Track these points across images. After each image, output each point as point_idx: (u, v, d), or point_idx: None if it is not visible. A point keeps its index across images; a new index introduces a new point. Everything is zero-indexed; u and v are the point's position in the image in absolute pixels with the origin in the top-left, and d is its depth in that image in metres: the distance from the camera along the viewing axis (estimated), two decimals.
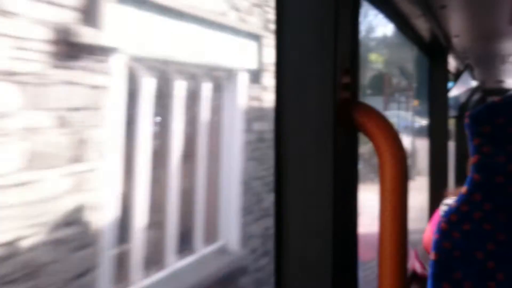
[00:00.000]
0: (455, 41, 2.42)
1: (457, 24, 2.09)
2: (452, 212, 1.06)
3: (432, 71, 2.39)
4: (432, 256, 1.07)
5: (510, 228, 1.01)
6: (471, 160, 1.06)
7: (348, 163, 0.77)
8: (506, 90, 6.04)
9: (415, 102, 17.28)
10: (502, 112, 0.99)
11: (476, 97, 5.61)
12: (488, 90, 5.96)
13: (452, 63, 3.24)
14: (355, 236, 0.84)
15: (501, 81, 5.23)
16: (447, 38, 2.32)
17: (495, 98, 1.04)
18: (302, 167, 0.72)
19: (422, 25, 1.85)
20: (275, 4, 0.76)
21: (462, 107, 3.77)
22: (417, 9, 1.60)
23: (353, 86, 0.77)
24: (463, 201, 1.04)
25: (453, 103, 6.24)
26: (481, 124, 1.01)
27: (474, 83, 4.66)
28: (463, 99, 5.32)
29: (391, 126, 0.72)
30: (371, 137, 0.71)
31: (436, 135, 2.38)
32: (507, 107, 0.99)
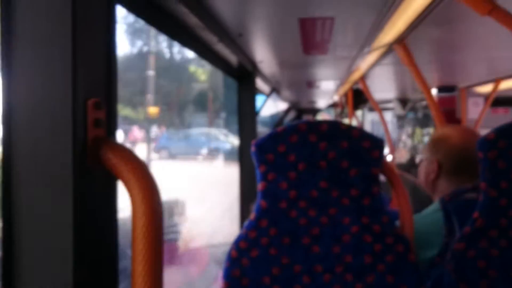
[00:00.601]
0: (261, 66, 2.57)
1: (259, 51, 2.20)
2: (241, 239, 1.07)
3: (241, 93, 2.49)
4: (222, 285, 1.07)
5: (293, 252, 1.05)
6: (258, 187, 1.08)
7: (103, 210, 0.71)
8: (318, 110, 6.73)
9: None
10: (283, 140, 1.04)
11: (291, 115, 6.11)
12: (303, 109, 6.53)
13: (265, 86, 3.45)
14: None
15: (313, 102, 5.78)
16: (253, 63, 2.45)
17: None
18: (37, 224, 0.63)
19: (224, 51, 1.91)
20: None
21: (277, 126, 4.03)
22: (214, 36, 1.63)
23: (109, 121, 0.70)
24: (251, 227, 1.06)
25: (269, 122, 6.73)
26: (266, 152, 1.04)
27: (284, 104, 5.06)
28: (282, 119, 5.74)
29: (144, 167, 0.66)
30: (123, 181, 0.65)
31: (245, 156, 2.48)
32: (287, 136, 1.04)
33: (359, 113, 7.02)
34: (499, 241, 1.02)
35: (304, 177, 1.04)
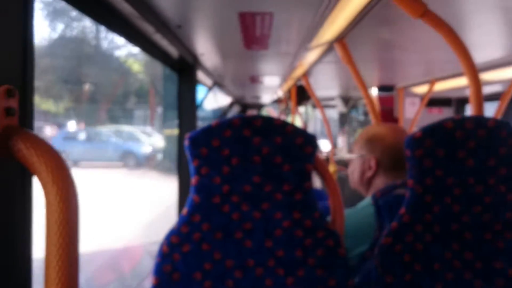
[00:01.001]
0: (202, 59, 2.52)
1: (200, 44, 2.16)
2: (173, 234, 1.05)
3: (181, 86, 2.44)
4: (152, 280, 1.05)
5: (226, 247, 1.05)
6: (192, 181, 1.07)
7: (15, 207, 0.65)
8: (262, 105, 6.76)
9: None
10: (217, 135, 1.03)
11: (236, 110, 6.10)
12: (247, 104, 6.54)
13: (208, 80, 3.40)
14: None
15: (257, 97, 5.79)
16: (193, 55, 2.40)
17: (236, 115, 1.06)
18: None
19: (162, 42, 1.85)
20: None
21: None
22: (150, 26, 1.57)
23: (22, 110, 0.65)
24: (184, 222, 1.05)
25: (212, 116, 6.69)
26: (199, 146, 1.03)
27: (227, 98, 5.03)
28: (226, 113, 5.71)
29: (60, 159, 0.62)
30: (35, 173, 0.60)
31: (185, 152, 2.43)
32: (221, 130, 1.03)
33: (303, 109, 7.11)
34: (424, 236, 1.06)
35: (238, 172, 1.04)
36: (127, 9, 1.37)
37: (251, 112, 6.58)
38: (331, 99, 5.79)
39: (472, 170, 1.04)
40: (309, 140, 1.05)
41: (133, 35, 1.64)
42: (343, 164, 5.41)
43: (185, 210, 1.06)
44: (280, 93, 5.27)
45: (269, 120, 1.05)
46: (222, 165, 1.03)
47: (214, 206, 1.04)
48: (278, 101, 6.46)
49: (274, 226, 1.05)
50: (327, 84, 4.22)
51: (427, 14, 1.25)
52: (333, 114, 6.81)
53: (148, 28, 1.61)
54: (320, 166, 1.10)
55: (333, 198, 1.12)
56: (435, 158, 1.04)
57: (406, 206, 1.07)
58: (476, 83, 1.27)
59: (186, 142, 1.04)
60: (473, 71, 1.28)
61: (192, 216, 1.04)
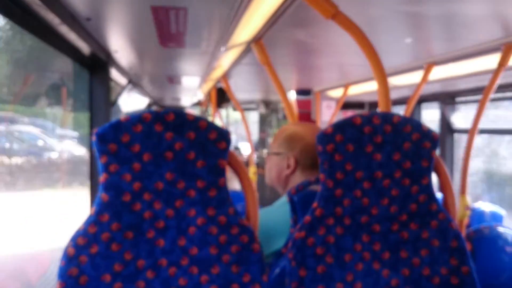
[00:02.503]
0: (116, 56, 2.42)
1: (113, 39, 2.07)
2: (79, 235, 1.00)
3: (93, 85, 2.32)
4: (57, 285, 0.99)
5: (137, 247, 1.01)
6: (100, 179, 1.02)
7: None
8: (182, 107, 6.67)
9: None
10: (127, 130, 0.99)
11: None
12: (167, 106, 6.42)
13: (123, 79, 3.28)
14: None
15: (177, 99, 5.71)
16: (106, 52, 2.30)
17: (122, 117, 1.01)
18: None
19: (70, 36, 1.74)
20: None
21: None
22: (55, 17, 1.47)
23: None
24: (91, 222, 1.00)
25: None
26: (108, 142, 0.98)
27: (143, 99, 4.91)
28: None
29: None
30: None
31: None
32: (131, 125, 0.99)
33: (224, 112, 7.11)
34: (335, 229, 1.08)
35: (149, 169, 1.00)
36: None
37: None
38: (252, 102, 5.84)
39: (380, 164, 1.08)
40: (223, 136, 1.04)
41: (34, 25, 1.53)
42: (262, 166, 5.47)
43: (92, 210, 1.01)
44: (201, 95, 5.22)
45: (181, 115, 1.02)
46: (133, 161, 1.00)
47: (124, 204, 1.00)
48: (199, 104, 6.40)
49: (188, 224, 1.03)
50: (247, 87, 4.25)
51: (338, 16, 1.28)
52: (254, 117, 6.88)
53: (53, 19, 1.50)
54: (234, 161, 1.09)
55: (247, 194, 1.11)
56: (345, 152, 1.07)
57: (318, 200, 1.09)
58: (385, 86, 1.32)
59: (93, 138, 0.99)
60: (382, 74, 1.33)
61: (100, 216, 1.00)
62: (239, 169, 1.11)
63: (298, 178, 1.46)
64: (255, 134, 6.63)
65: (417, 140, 1.08)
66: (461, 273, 1.11)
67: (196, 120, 1.02)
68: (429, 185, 1.10)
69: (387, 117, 1.08)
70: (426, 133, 1.09)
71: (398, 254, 1.10)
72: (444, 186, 1.15)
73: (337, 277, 1.07)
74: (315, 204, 1.09)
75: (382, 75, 1.33)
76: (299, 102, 4.05)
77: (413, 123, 1.08)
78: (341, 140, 1.06)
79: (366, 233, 1.09)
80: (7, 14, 1.35)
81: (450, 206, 1.15)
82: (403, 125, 1.08)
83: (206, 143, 1.02)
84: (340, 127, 1.07)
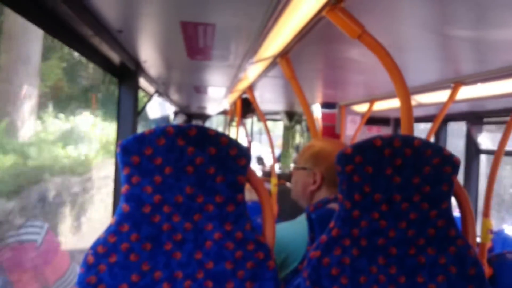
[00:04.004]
0: (145, 66, 2.48)
1: (143, 50, 2.12)
2: (99, 244, 1.02)
3: (121, 93, 2.38)
4: None
5: (154, 258, 1.03)
6: (122, 190, 1.04)
7: None
8: (208, 116, 6.74)
9: None
10: (150, 143, 1.01)
11: (180, 120, 6.04)
12: (193, 114, 6.49)
13: (151, 88, 3.34)
14: None
15: (203, 107, 5.76)
16: (136, 62, 2.35)
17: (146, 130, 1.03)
18: None
19: (101, 47, 1.80)
20: None
21: None
22: (89, 30, 1.52)
23: None
24: (111, 232, 1.02)
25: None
26: (131, 154, 1.01)
27: (170, 107, 4.97)
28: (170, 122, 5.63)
29: None
30: None
31: None
32: (155, 138, 1.01)
33: (249, 122, 7.14)
34: (351, 250, 1.08)
35: (170, 182, 1.02)
36: (63, 9, 1.32)
37: (196, 123, 6.54)
38: (276, 113, 5.85)
39: (399, 187, 1.07)
40: (243, 152, 1.05)
41: (68, 37, 1.58)
42: (285, 177, 5.47)
43: (113, 220, 1.03)
44: (226, 105, 5.27)
45: (203, 130, 1.04)
46: (154, 174, 1.02)
47: (144, 216, 1.02)
48: (224, 113, 6.45)
49: (205, 238, 1.04)
50: (272, 98, 4.26)
51: (364, 36, 1.29)
52: (280, 128, 6.88)
53: (87, 31, 1.56)
54: (253, 178, 1.10)
55: (265, 211, 1.12)
56: (364, 174, 1.07)
57: (335, 220, 1.09)
58: (407, 104, 1.32)
59: (117, 150, 1.01)
60: (405, 92, 1.32)
61: (121, 226, 1.02)
62: (258, 186, 1.12)
63: (323, 194, 1.47)
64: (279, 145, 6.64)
65: (437, 164, 1.07)
66: None
67: (217, 136, 1.04)
68: (448, 210, 1.10)
69: (408, 140, 1.07)
70: (447, 158, 1.08)
71: (414, 278, 1.09)
72: (464, 211, 1.14)
73: None
74: (331, 224, 1.09)
75: (405, 95, 1.33)
76: (324, 115, 4.04)
77: (434, 148, 1.08)
78: (360, 162, 1.06)
79: (382, 255, 1.09)
80: (42, 27, 1.40)
81: (470, 232, 1.13)
82: (424, 149, 1.07)
83: (226, 159, 1.04)
84: (360, 148, 1.07)
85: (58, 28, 1.47)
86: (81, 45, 1.71)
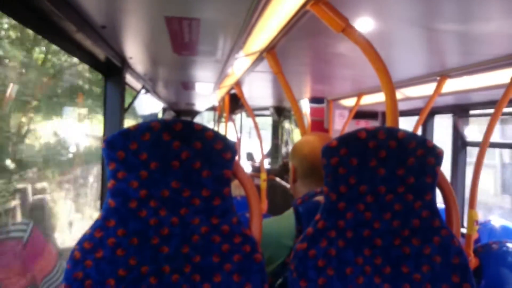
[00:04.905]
0: (131, 62, 2.46)
1: (128, 47, 2.11)
2: (85, 240, 1.02)
3: (108, 89, 2.36)
4: (63, 287, 1.01)
5: (141, 253, 1.03)
6: (108, 185, 1.04)
7: None
8: (197, 112, 6.72)
9: None
10: (135, 138, 1.01)
11: (168, 116, 6.02)
12: (182, 110, 6.48)
13: (138, 84, 3.32)
14: None
15: (191, 104, 5.75)
16: (122, 58, 2.33)
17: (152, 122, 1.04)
18: None
19: (86, 43, 1.78)
20: None
21: None
22: (72, 25, 1.51)
23: None
24: (98, 227, 1.02)
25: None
26: (116, 150, 1.01)
27: (158, 103, 4.95)
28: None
29: None
30: None
31: None
32: (140, 133, 1.01)
33: (238, 118, 7.14)
34: (337, 242, 1.09)
35: (156, 177, 1.02)
36: (45, 4, 1.31)
37: (185, 119, 6.51)
38: (265, 108, 5.85)
39: (383, 178, 1.08)
40: (228, 146, 1.05)
41: (51, 33, 1.57)
42: (276, 173, 5.47)
43: (99, 215, 1.03)
44: (215, 101, 5.26)
45: (189, 124, 1.04)
46: (140, 169, 1.02)
47: (130, 211, 1.02)
48: (213, 109, 6.44)
49: (192, 232, 1.05)
50: (260, 94, 4.26)
51: (348, 29, 1.29)
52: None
53: (69, 27, 1.54)
54: (240, 172, 1.10)
55: (251, 205, 1.12)
56: (349, 166, 1.07)
57: (321, 213, 1.09)
58: (392, 97, 1.32)
59: (103, 145, 1.01)
60: (390, 85, 1.33)
61: (107, 221, 1.02)
62: (244, 180, 1.12)
63: (300, 187, 1.49)
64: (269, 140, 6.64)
65: (421, 156, 1.08)
66: None
67: (203, 130, 1.04)
68: (432, 201, 1.11)
69: (392, 132, 1.08)
70: (431, 149, 1.09)
71: (399, 269, 1.10)
72: (448, 202, 1.15)
73: None
74: (317, 216, 1.10)
75: (390, 88, 1.33)
76: (312, 110, 4.05)
77: (418, 139, 1.09)
78: (345, 154, 1.07)
79: (367, 247, 1.10)
80: (25, 23, 1.39)
81: (454, 222, 1.15)
82: (408, 141, 1.08)
83: (212, 153, 1.04)
84: (344, 140, 1.08)
85: (41, 24, 1.46)
86: (65, 41, 1.70)
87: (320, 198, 1.38)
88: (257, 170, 5.76)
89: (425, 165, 1.08)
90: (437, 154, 1.09)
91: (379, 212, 1.09)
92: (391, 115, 1.32)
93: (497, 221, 2.62)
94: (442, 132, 3.70)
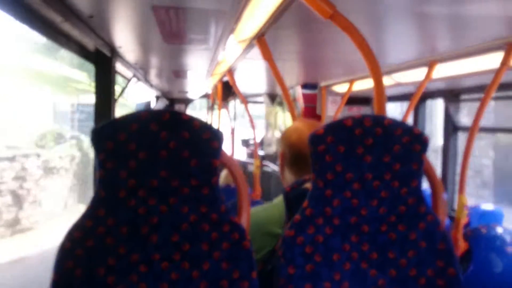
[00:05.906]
0: (121, 51, 2.44)
1: (117, 36, 2.09)
2: (75, 229, 1.03)
3: (98, 79, 2.35)
4: (53, 276, 1.03)
5: (130, 241, 1.04)
6: (97, 175, 1.05)
7: None
8: (190, 100, 6.70)
9: None
10: (124, 129, 1.02)
11: (161, 104, 6.00)
12: (175, 99, 6.46)
13: (129, 72, 3.31)
14: None
15: (184, 92, 5.73)
16: (111, 48, 2.32)
17: (142, 112, 1.04)
18: None
19: (73, 32, 1.77)
20: None
21: None
22: (58, 15, 1.49)
23: None
24: (87, 217, 1.03)
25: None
26: (104, 140, 1.01)
27: (150, 92, 4.93)
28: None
29: None
30: None
31: None
32: (128, 123, 1.02)
33: (232, 105, 7.12)
34: (324, 228, 1.10)
35: (145, 166, 1.03)
36: None
37: (179, 107, 6.49)
38: (258, 95, 5.84)
39: (370, 165, 1.09)
40: (216, 135, 1.06)
41: (37, 24, 1.55)
42: (271, 159, 5.48)
43: (89, 205, 1.04)
44: (208, 88, 5.24)
45: (176, 114, 1.05)
46: (129, 159, 1.02)
47: (119, 200, 1.03)
48: (206, 97, 6.42)
49: (181, 220, 1.06)
50: (253, 81, 4.25)
51: (335, 16, 1.28)
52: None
53: (56, 17, 1.53)
54: (228, 161, 1.11)
55: (240, 193, 1.13)
56: (336, 154, 1.08)
57: (308, 200, 1.11)
58: (380, 84, 1.33)
59: (91, 136, 1.02)
60: (378, 72, 1.33)
61: (97, 211, 1.03)
62: (232, 168, 1.13)
63: (288, 175, 1.49)
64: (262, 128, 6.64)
65: (407, 142, 1.09)
66: (447, 275, 1.12)
67: (191, 120, 1.04)
68: (418, 187, 1.12)
69: (379, 120, 1.09)
70: (417, 136, 1.09)
71: (385, 254, 1.12)
72: (434, 189, 1.16)
73: (325, 276, 1.09)
74: (305, 204, 1.11)
75: (378, 74, 1.33)
76: (305, 96, 4.05)
77: (404, 127, 1.09)
78: (332, 141, 1.08)
79: (354, 233, 1.11)
80: (10, 13, 1.37)
81: (439, 208, 1.16)
82: (394, 128, 1.09)
83: (199, 143, 1.04)
84: (331, 128, 1.08)
85: (27, 15, 1.44)
86: (53, 32, 1.69)
87: (308, 185, 1.39)
88: (253, 156, 5.76)
89: (410, 152, 1.09)
90: (423, 141, 1.10)
91: (366, 199, 1.10)
92: (379, 101, 1.32)
93: (487, 206, 2.64)
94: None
